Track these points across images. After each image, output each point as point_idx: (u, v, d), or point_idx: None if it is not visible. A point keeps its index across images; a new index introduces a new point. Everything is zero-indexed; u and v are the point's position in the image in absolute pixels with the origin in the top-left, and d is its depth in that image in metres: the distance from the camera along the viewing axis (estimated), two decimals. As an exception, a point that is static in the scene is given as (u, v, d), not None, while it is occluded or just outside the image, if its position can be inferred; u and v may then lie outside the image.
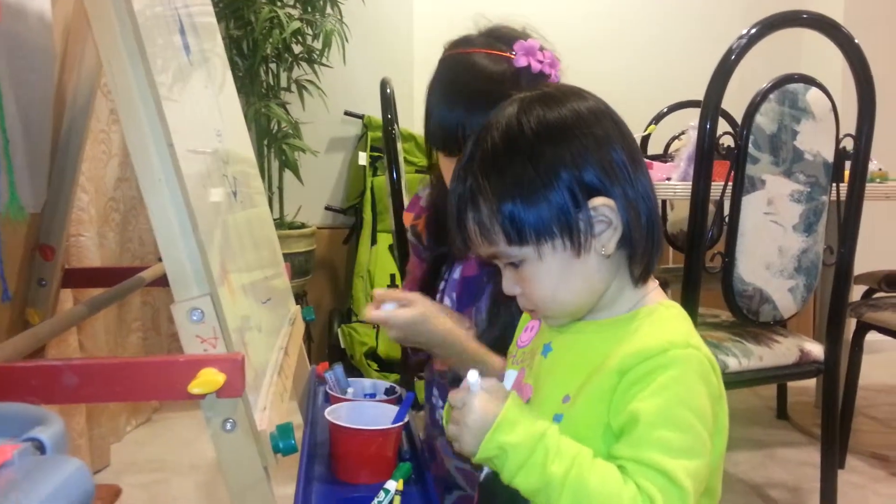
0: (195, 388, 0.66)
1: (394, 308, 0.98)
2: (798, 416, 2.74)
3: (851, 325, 2.35)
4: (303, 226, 3.04)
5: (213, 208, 0.87)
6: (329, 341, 3.15)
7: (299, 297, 2.99)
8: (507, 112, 0.73)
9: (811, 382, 2.98)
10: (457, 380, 1.08)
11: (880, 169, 2.55)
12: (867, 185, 2.27)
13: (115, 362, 0.68)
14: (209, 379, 0.67)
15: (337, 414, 1.02)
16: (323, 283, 3.31)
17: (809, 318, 3.16)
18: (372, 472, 0.98)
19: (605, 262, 0.70)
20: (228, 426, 0.72)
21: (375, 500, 0.91)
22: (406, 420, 1.03)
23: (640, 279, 0.72)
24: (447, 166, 1.07)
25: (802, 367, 1.71)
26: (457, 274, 1.15)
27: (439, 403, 1.14)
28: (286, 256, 2.78)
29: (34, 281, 1.26)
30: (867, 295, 2.61)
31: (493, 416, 0.67)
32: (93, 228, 2.14)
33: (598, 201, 0.68)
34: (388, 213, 3.22)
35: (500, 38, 1.06)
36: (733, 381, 1.65)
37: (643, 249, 0.71)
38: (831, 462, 1.74)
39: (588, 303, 0.73)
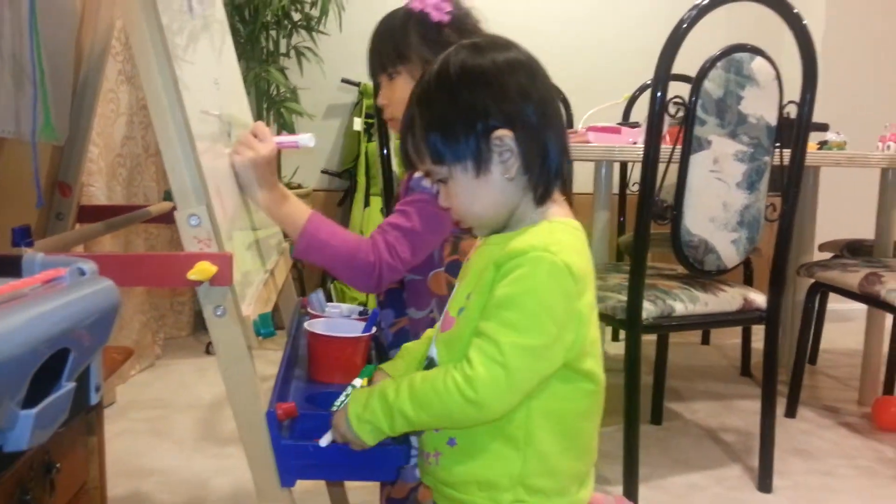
0: (192, 275, 0.83)
1: None
2: (760, 374, 2.90)
3: (806, 285, 2.52)
4: (299, 187, 3.21)
5: (209, 141, 1.04)
6: (322, 296, 3.33)
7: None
8: (444, 55, 0.90)
9: (776, 344, 3.17)
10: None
11: (844, 141, 2.71)
12: (825, 152, 2.44)
13: (128, 255, 0.85)
14: (204, 269, 0.83)
15: (315, 326, 1.20)
16: (317, 242, 3.49)
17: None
18: (343, 375, 1.14)
19: (509, 183, 0.87)
20: (219, 312, 0.88)
21: (343, 394, 1.08)
22: (373, 332, 1.21)
23: (539, 200, 0.88)
24: (385, 88, 1.27)
25: (746, 314, 1.88)
26: None
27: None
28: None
29: (53, 214, 1.43)
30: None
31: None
32: (101, 180, 2.31)
33: (499, 132, 0.85)
34: (380, 176, 3.39)
35: None
36: (680, 324, 1.82)
37: (539, 176, 0.87)
38: (770, 401, 1.91)
39: (499, 215, 0.89)
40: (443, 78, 0.88)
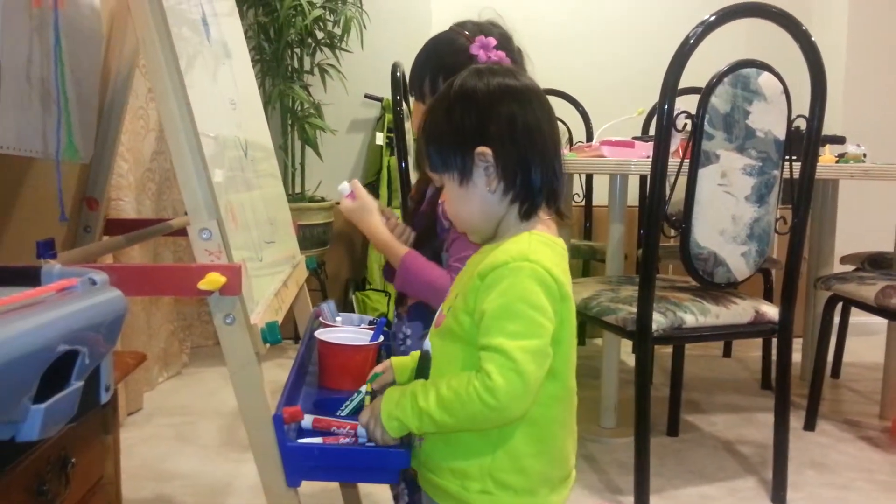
0: (203, 285, 0.88)
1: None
2: (781, 386, 2.90)
3: (824, 298, 2.51)
4: (322, 199, 3.28)
5: (223, 160, 1.10)
6: (344, 307, 3.40)
7: (318, 266, 3.24)
8: (453, 77, 0.97)
9: (797, 357, 3.14)
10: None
11: (864, 153, 2.70)
12: (841, 165, 2.44)
13: (143, 266, 0.90)
14: (214, 279, 0.89)
15: (325, 335, 1.25)
16: (341, 254, 3.56)
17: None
18: (351, 382, 1.19)
19: (492, 196, 0.93)
20: (229, 320, 0.94)
21: (349, 399, 1.13)
22: (380, 340, 1.26)
23: (524, 215, 0.94)
24: (416, 110, 1.34)
25: (757, 327, 1.89)
26: None
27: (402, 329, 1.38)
28: (306, 228, 3.01)
29: (81, 227, 1.51)
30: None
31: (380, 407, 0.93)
32: (131, 194, 2.40)
33: (481, 149, 0.92)
34: (400, 190, 3.46)
35: (482, 29, 1.31)
36: (690, 335, 1.84)
37: (520, 192, 0.93)
38: (784, 413, 1.91)
39: (485, 225, 0.96)
40: (444, 96, 0.97)
